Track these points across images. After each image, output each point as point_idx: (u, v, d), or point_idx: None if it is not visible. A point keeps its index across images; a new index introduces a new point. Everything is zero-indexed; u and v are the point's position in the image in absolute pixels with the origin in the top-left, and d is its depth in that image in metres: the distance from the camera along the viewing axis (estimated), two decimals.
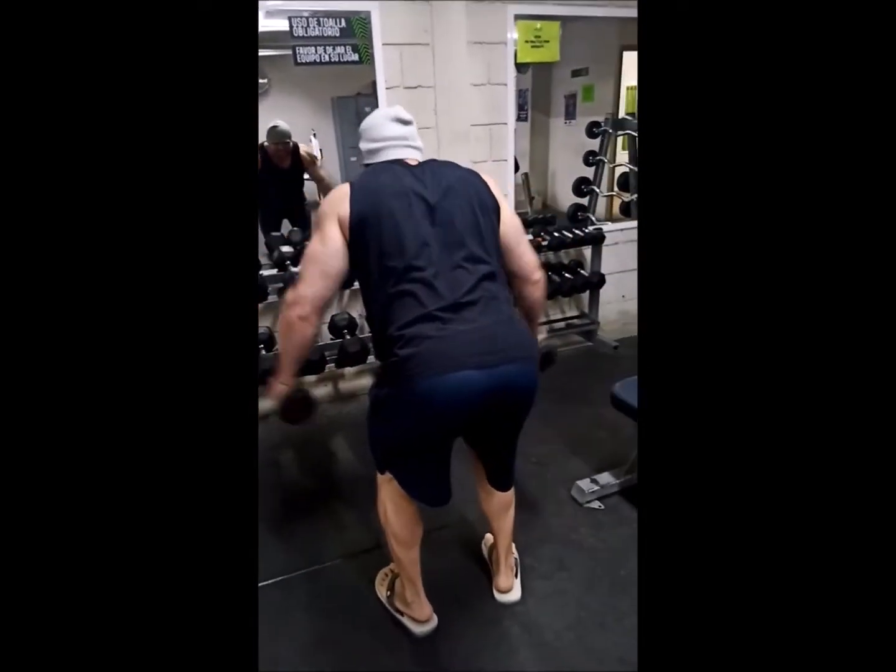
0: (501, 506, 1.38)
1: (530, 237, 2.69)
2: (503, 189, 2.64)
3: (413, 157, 1.20)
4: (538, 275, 1.27)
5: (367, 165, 1.21)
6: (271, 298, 2.21)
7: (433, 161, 1.20)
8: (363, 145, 1.23)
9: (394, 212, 1.07)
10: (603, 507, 1.77)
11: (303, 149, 2.83)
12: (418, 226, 1.07)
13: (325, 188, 2.96)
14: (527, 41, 2.53)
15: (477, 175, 1.20)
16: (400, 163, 1.17)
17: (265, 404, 2.47)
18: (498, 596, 1.45)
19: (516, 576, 1.48)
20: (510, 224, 1.21)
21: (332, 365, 2.32)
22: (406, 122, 1.22)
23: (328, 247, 1.09)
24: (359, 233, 1.08)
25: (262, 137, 2.71)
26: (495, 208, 1.17)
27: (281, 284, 2.19)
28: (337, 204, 1.09)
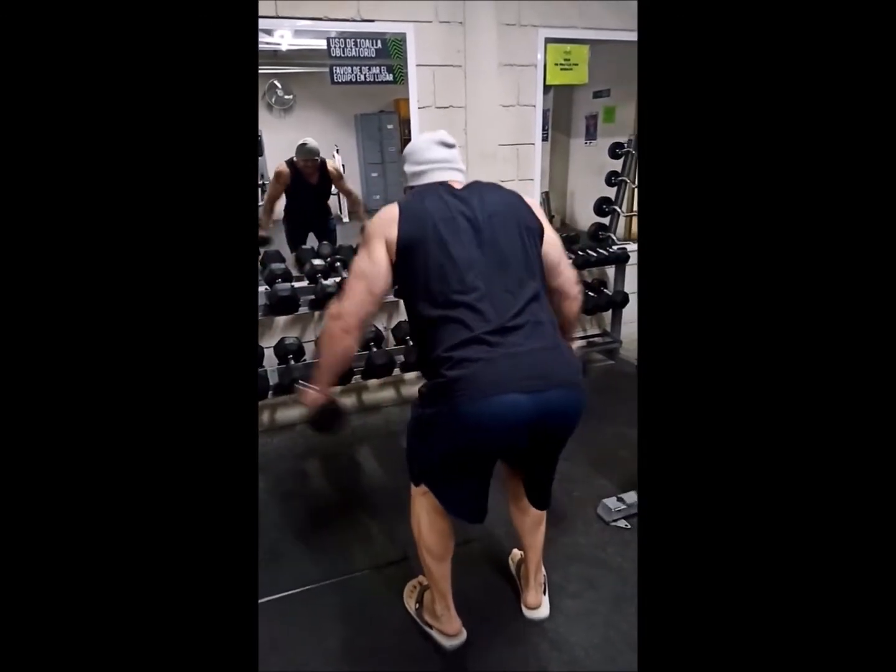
0: (534, 522, 1.39)
1: None
2: None
3: (456, 180, 1.23)
4: (576, 290, 1.31)
5: (411, 188, 1.24)
6: (302, 310, 2.25)
7: (477, 183, 1.22)
8: (408, 168, 1.26)
9: (441, 237, 1.08)
10: (630, 526, 1.77)
11: (330, 164, 2.90)
12: (465, 250, 1.09)
13: (353, 201, 3.05)
14: (556, 64, 2.58)
15: (520, 198, 1.22)
16: (445, 186, 1.19)
17: (290, 413, 2.51)
18: (527, 612, 1.46)
19: (545, 593, 1.49)
20: (552, 244, 1.23)
21: (358, 376, 2.34)
22: (450, 146, 1.25)
23: (375, 267, 1.12)
24: (406, 257, 1.10)
25: (292, 154, 2.78)
26: (539, 231, 1.19)
27: (312, 297, 2.22)
28: (385, 226, 1.11)
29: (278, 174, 2.76)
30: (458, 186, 1.20)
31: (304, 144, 2.75)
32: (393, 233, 1.10)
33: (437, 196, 1.15)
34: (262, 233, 2.94)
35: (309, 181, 2.83)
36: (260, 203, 3.20)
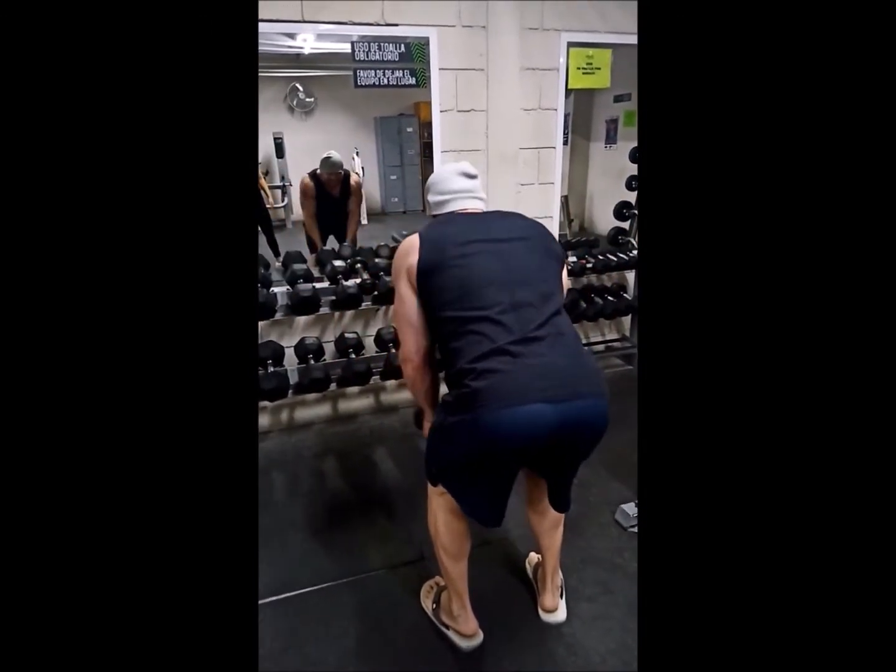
0: (551, 525, 1.39)
1: (574, 259, 2.72)
2: (548, 212, 2.69)
3: (477, 208, 1.29)
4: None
5: (435, 216, 1.30)
6: (323, 310, 2.28)
7: (498, 211, 1.29)
8: (431, 198, 1.31)
9: (460, 256, 1.13)
10: None
11: (353, 179, 2.95)
12: (484, 267, 1.12)
13: (354, 222, 3.02)
14: (578, 68, 2.57)
15: (543, 226, 1.28)
16: (464, 213, 1.26)
17: (309, 412, 2.49)
18: (543, 615, 1.45)
19: (561, 596, 1.48)
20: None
21: (377, 377, 2.36)
22: (471, 176, 1.31)
23: (406, 305, 1.20)
24: (426, 281, 1.14)
25: (311, 154, 2.84)
26: (560, 257, 1.24)
27: (333, 297, 2.25)
28: (406, 257, 1.17)
29: (304, 190, 2.83)
30: (477, 213, 1.28)
31: (328, 158, 2.82)
32: (413, 259, 1.15)
33: (455, 223, 1.22)
34: (320, 247, 2.92)
35: (331, 193, 2.88)
36: (266, 203, 3.27)
